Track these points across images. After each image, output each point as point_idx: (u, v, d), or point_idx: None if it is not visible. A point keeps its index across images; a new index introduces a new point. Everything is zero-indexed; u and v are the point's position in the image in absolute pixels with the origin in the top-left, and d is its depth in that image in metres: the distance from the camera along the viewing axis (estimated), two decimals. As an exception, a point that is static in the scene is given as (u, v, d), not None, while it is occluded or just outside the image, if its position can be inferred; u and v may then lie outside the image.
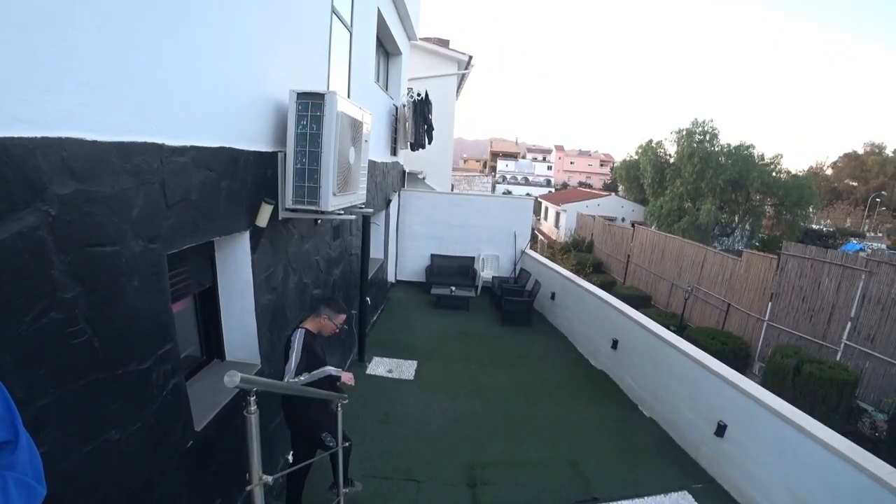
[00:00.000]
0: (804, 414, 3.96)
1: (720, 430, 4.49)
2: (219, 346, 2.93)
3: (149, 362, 1.88)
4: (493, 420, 5.16)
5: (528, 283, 9.66)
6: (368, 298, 6.30)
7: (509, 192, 45.28)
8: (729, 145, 23.45)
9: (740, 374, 4.64)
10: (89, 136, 1.52)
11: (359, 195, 3.58)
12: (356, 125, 3.22)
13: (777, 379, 8.83)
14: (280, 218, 3.11)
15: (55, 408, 1.47)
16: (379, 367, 6.22)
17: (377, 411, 5.05)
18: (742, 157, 22.62)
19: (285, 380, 2.77)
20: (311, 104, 2.79)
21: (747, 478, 4.18)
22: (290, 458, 3.70)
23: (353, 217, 3.86)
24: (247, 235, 2.75)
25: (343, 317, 3.28)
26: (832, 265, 9.52)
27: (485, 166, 65.32)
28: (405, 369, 6.23)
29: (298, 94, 2.81)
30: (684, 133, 24.42)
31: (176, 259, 2.26)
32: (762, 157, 23.06)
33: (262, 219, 2.77)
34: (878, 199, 43.55)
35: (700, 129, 24.03)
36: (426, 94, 8.80)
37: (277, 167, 3.00)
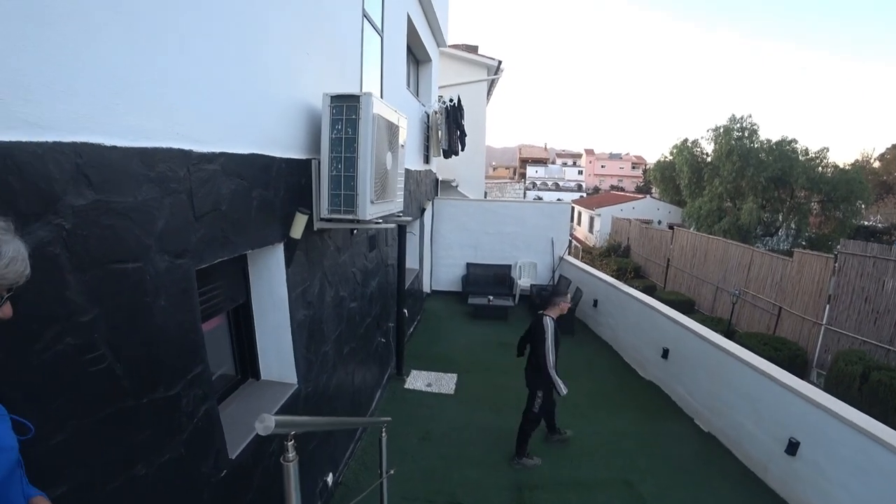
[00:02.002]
0: (893, 431, 3.50)
1: (791, 447, 4.06)
2: (253, 364, 2.78)
3: (177, 388, 1.73)
4: (540, 437, 4.85)
5: (569, 290, 9.28)
6: (406, 310, 6.11)
7: (540, 199, 44.71)
8: (769, 141, 22.27)
9: (813, 387, 4.20)
10: (108, 141, 1.37)
11: (396, 203, 3.40)
12: (392, 129, 3.04)
13: (841, 387, 8.13)
14: (315, 229, 2.96)
15: (75, 443, 1.31)
16: (417, 380, 6.01)
17: (418, 428, 4.82)
18: (784, 153, 21.41)
19: (549, 359, 4.20)
20: (346, 107, 2.63)
21: (827, 502, 3.74)
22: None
23: (392, 226, 3.68)
24: (281, 248, 2.60)
25: (569, 295, 4.56)
26: None
27: (514, 173, 64.88)
28: (445, 383, 5.99)
29: (332, 96, 2.65)
30: (721, 130, 23.35)
31: (207, 274, 2.12)
32: (806, 152, 21.76)
33: (297, 230, 2.61)
34: None
35: (738, 125, 22.95)
36: (458, 100, 8.65)
37: (311, 175, 2.86)
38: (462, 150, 9.57)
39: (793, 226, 22.18)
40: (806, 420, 3.99)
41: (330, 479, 3.52)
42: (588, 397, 5.86)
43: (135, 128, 1.48)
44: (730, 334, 10.83)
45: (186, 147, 1.71)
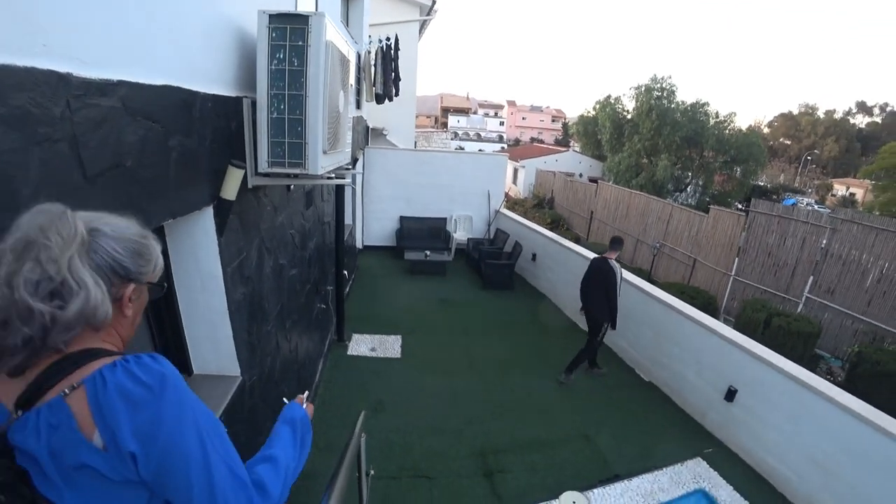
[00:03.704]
0: (822, 379, 3.84)
1: (730, 394, 4.35)
2: (182, 357, 2.24)
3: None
4: (495, 398, 4.77)
5: (507, 244, 9.22)
6: (346, 271, 5.62)
7: (461, 149, 44.30)
8: (684, 102, 23.62)
9: (750, 339, 4.45)
10: None
11: (345, 154, 2.85)
12: (344, 62, 2.46)
13: (748, 331, 9.05)
14: (250, 186, 2.37)
15: None
16: (361, 345, 5.65)
17: (368, 399, 4.51)
18: (697, 115, 22.89)
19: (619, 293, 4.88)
20: (290, 30, 2.02)
21: (759, 442, 4.08)
22: None
23: (347, 181, 3.15)
24: (210, 213, 2.01)
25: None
26: (798, 222, 9.65)
27: (436, 122, 63.53)
28: (389, 346, 5.69)
29: (271, 16, 2.02)
30: (643, 89, 24.23)
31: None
32: (717, 115, 23.45)
33: (231, 189, 2.04)
34: (809, 158, 46.39)
35: (658, 85, 23.92)
36: (396, 39, 7.82)
37: (244, 118, 2.24)
38: (397, 94, 8.83)
39: (700, 183, 24.09)
40: (744, 370, 4.25)
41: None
42: (536, 354, 5.89)
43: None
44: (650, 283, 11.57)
45: (63, 69, 1.11)
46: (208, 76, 1.90)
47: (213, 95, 1.93)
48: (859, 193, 35.94)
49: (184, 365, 2.25)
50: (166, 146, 1.57)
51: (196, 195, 1.84)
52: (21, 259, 0.69)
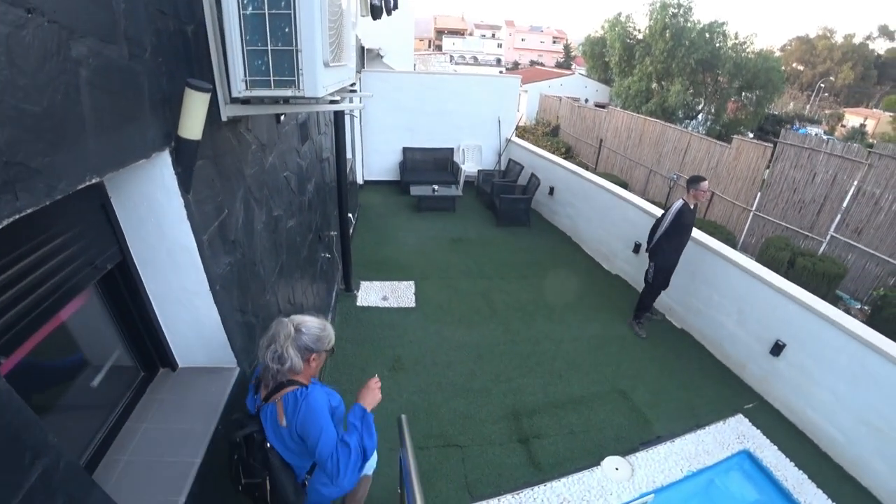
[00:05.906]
0: (887, 339, 3.40)
1: (777, 349, 3.99)
2: (161, 350, 1.73)
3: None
4: (522, 350, 4.39)
5: (521, 176, 8.53)
6: (351, 215, 5.03)
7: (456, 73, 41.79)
8: (700, 22, 21.68)
9: (805, 291, 3.98)
10: None
11: (349, 69, 2.15)
12: (344, -66, 1.73)
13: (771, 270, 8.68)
14: (225, 118, 1.73)
15: None
16: (370, 294, 5.19)
17: (384, 356, 4.13)
18: (714, 36, 21.04)
19: (653, 238, 4.55)
20: None
21: (805, 399, 3.79)
22: None
23: (359, 107, 2.48)
24: (166, 161, 1.40)
25: (705, 182, 4.36)
26: (831, 156, 8.90)
27: (430, 45, 59.72)
28: (402, 293, 5.24)
29: None
30: (658, 5, 22.04)
31: (17, 231, 0.96)
32: (736, 36, 21.60)
33: (193, 123, 1.40)
34: (822, 85, 43.64)
35: (675, 0, 21.78)
36: (391, -68, 6.60)
37: (205, 16, 1.56)
38: (395, 7, 7.69)
39: (712, 110, 22.69)
40: (795, 324, 3.88)
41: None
42: (560, 298, 5.46)
43: None
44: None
45: None
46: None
47: (151, -24, 1.24)
48: (870, 125, 34.01)
49: (164, 359, 1.75)
50: (66, 56, 0.94)
51: (136, 136, 1.22)
52: (269, 345, 1.57)
